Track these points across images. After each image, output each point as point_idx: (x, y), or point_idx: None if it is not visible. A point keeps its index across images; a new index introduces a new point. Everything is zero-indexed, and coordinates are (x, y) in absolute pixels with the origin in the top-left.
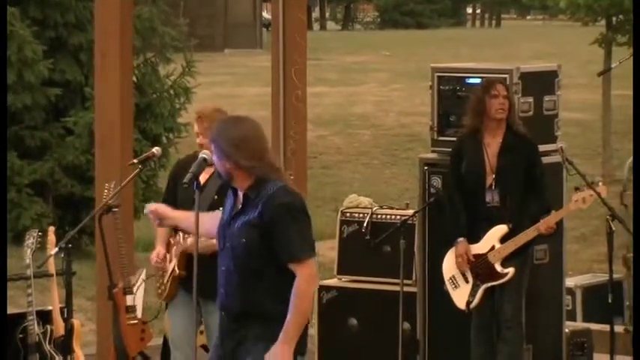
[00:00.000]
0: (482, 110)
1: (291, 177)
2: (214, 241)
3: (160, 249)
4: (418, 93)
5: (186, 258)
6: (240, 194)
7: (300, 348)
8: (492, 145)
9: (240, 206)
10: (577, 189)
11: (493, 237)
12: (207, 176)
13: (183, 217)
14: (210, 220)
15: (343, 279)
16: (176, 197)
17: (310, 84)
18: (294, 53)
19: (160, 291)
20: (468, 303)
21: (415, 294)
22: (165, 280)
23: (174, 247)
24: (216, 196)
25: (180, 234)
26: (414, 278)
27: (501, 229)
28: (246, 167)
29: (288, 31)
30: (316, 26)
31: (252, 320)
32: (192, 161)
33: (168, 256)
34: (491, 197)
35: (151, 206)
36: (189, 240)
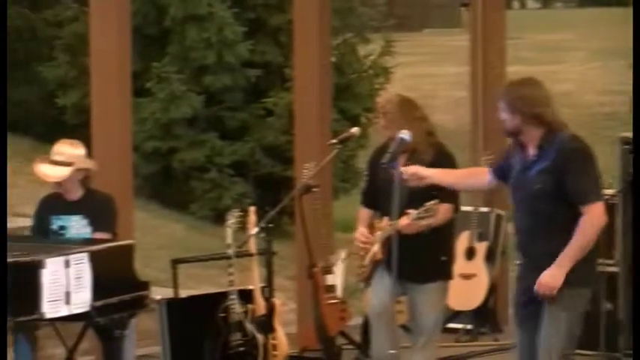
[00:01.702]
0: None
1: (491, 155)
2: (423, 222)
3: (363, 229)
4: (617, 71)
5: (388, 243)
6: (530, 147)
7: (585, 280)
8: None
9: (534, 157)
10: None
11: None
12: (403, 160)
13: (441, 174)
14: (465, 175)
15: None
16: (377, 184)
17: (508, 63)
18: (493, 32)
19: (359, 272)
20: None
21: (617, 274)
22: (366, 263)
23: (379, 232)
24: None
25: (385, 219)
26: (615, 258)
27: None
28: (535, 120)
29: (487, 10)
30: (516, 4)
31: (545, 259)
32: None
33: (372, 237)
34: None
35: (410, 169)
36: (404, 220)
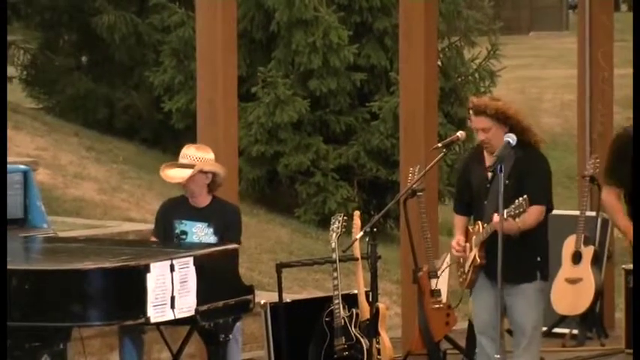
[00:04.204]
0: None
1: (597, 160)
2: (516, 223)
3: (459, 237)
4: None
5: (486, 247)
6: None
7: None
8: None
9: None
10: None
11: None
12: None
13: None
14: None
15: None
16: (471, 189)
17: (617, 65)
18: (601, 35)
19: (461, 280)
20: None
21: None
22: (466, 269)
23: (474, 237)
24: (507, 181)
25: (480, 223)
26: None
27: None
28: None
29: (594, 12)
30: (624, 7)
31: None
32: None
33: (467, 245)
34: None
35: None
36: (495, 217)
